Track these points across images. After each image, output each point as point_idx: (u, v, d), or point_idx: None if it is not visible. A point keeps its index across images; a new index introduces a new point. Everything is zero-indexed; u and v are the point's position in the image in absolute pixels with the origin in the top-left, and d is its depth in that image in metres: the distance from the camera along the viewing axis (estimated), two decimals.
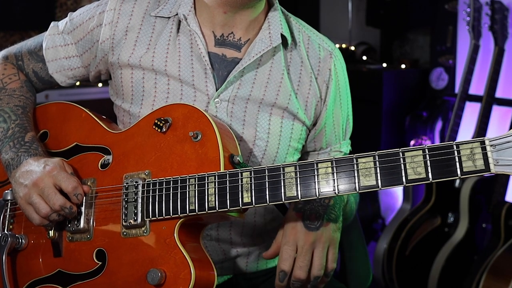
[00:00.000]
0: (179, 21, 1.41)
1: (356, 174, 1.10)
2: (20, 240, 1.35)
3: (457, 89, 3.45)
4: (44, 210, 1.26)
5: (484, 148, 1.02)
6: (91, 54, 1.47)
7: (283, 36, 1.41)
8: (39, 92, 1.57)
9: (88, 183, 1.32)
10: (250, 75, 1.39)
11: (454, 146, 1.03)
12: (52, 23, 1.53)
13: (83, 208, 1.29)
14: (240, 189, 1.17)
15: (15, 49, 1.55)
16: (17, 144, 1.35)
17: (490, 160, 1.01)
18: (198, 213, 1.19)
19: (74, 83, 1.58)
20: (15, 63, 1.53)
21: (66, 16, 1.54)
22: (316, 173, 1.13)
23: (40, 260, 1.34)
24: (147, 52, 1.40)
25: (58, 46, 1.49)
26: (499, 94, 3.25)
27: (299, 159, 1.49)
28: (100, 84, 1.69)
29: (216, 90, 1.38)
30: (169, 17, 1.42)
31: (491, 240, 2.73)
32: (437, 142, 3.57)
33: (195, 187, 1.20)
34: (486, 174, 1.03)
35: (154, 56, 1.40)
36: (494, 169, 1.01)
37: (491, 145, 1.01)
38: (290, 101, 1.41)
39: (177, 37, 1.41)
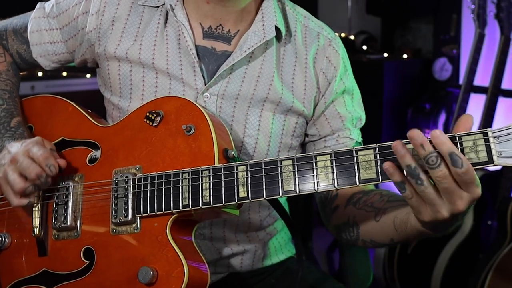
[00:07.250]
0: (167, 12, 1.42)
1: (356, 167, 1.11)
2: (3, 239, 1.35)
3: (461, 80, 3.48)
4: (18, 184, 1.25)
5: (487, 140, 1.03)
6: (75, 41, 1.48)
7: (277, 28, 1.40)
8: (23, 72, 1.61)
9: (76, 179, 1.33)
10: (240, 69, 1.39)
11: (457, 138, 1.04)
12: (39, 5, 1.55)
13: (70, 205, 1.30)
14: (235, 183, 1.18)
15: (0, 26, 1.56)
16: (2, 130, 1.38)
17: (493, 152, 1.02)
18: (192, 208, 1.20)
19: (59, 67, 1.61)
20: (0, 42, 1.55)
21: None
22: (314, 166, 1.14)
23: (24, 259, 1.34)
24: (134, 44, 1.41)
25: (43, 30, 1.51)
26: (505, 85, 3.26)
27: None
28: (88, 75, 1.71)
29: (205, 85, 1.38)
30: (157, 7, 1.43)
31: (497, 238, 2.74)
32: None
33: (188, 182, 1.21)
34: (489, 166, 1.05)
35: (141, 49, 1.41)
36: (497, 161, 1.02)
37: (494, 137, 1.02)
38: (283, 95, 1.40)
39: (164, 29, 1.41)
